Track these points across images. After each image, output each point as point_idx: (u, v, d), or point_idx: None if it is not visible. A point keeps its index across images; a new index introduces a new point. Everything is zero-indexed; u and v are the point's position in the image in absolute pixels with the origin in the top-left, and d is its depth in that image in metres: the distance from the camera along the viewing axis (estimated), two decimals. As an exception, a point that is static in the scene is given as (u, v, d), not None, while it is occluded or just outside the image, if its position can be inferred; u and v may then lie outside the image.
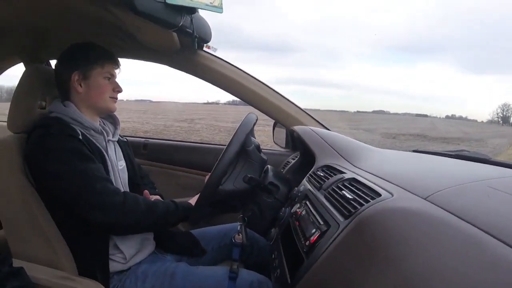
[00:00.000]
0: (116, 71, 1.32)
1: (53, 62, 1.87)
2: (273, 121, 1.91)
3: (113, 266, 1.20)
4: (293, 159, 1.69)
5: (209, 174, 1.12)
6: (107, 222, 1.12)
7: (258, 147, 1.25)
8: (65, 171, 1.10)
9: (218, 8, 1.06)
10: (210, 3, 1.05)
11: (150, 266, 1.24)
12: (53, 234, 1.17)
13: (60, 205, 1.16)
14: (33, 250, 1.16)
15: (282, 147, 1.96)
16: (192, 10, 1.11)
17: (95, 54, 1.26)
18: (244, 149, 1.17)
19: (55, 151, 1.11)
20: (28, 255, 1.15)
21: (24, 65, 1.83)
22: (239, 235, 1.27)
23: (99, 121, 1.33)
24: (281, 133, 1.92)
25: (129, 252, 1.23)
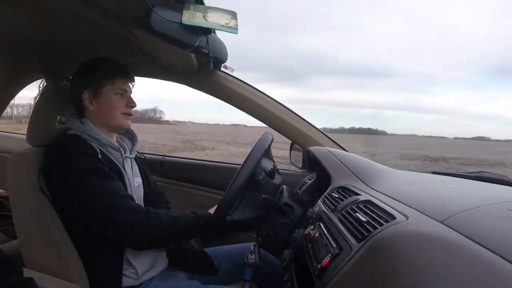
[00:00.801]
0: (130, 85, 1.31)
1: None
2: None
3: (125, 281, 1.19)
4: (310, 180, 1.67)
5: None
6: (131, 239, 1.13)
7: (272, 171, 1.25)
8: (85, 190, 1.10)
9: (233, 29, 1.07)
10: (226, 24, 1.06)
11: (162, 283, 1.23)
12: (66, 246, 1.17)
13: (76, 220, 1.17)
14: (45, 261, 1.16)
15: (299, 168, 1.95)
16: (207, 31, 1.12)
17: (105, 70, 1.26)
18: (255, 179, 1.17)
19: (75, 170, 1.12)
20: (41, 266, 1.16)
21: (45, 80, 1.88)
22: (252, 255, 1.26)
23: (116, 137, 1.34)
24: (298, 153, 1.90)
25: (141, 267, 1.22)
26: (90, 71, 1.27)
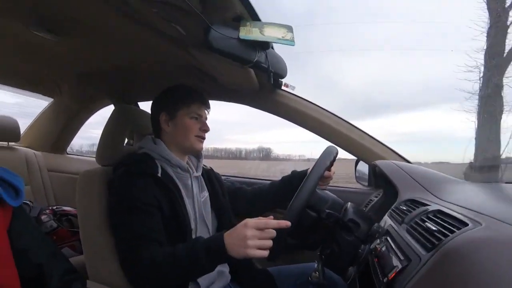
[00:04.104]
0: (206, 112, 1.37)
1: (140, 104, 2.06)
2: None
3: None
4: (376, 197, 1.59)
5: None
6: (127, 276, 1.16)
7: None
8: (123, 218, 1.17)
9: (290, 41, 1.08)
10: (282, 37, 1.08)
11: None
12: None
13: None
14: (108, 275, 1.20)
15: (365, 185, 1.87)
16: (265, 45, 1.14)
17: (182, 95, 1.34)
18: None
19: (122, 198, 1.18)
20: (105, 279, 1.20)
21: (114, 105, 2.01)
22: (316, 273, 1.21)
23: (187, 159, 1.39)
24: (364, 170, 1.83)
25: (204, 283, 1.22)
26: (169, 95, 1.35)
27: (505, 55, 5.42)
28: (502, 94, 5.34)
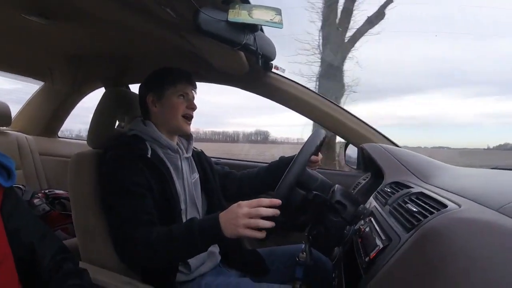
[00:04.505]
0: (193, 91, 1.37)
1: (131, 87, 2.06)
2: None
3: (178, 276, 1.22)
4: (364, 180, 1.62)
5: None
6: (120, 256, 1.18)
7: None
8: (115, 201, 1.17)
9: (279, 24, 1.08)
10: (271, 19, 1.07)
11: (214, 279, 1.25)
12: None
13: None
14: (101, 256, 1.22)
15: (353, 168, 1.90)
16: (254, 28, 1.14)
17: (168, 76, 1.34)
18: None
19: (113, 179, 1.19)
20: (97, 261, 1.22)
21: (105, 88, 2.00)
22: (303, 253, 1.24)
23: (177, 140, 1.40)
24: (353, 153, 1.85)
25: (194, 263, 1.25)
26: (155, 77, 1.35)
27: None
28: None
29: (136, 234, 1.10)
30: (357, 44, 5.31)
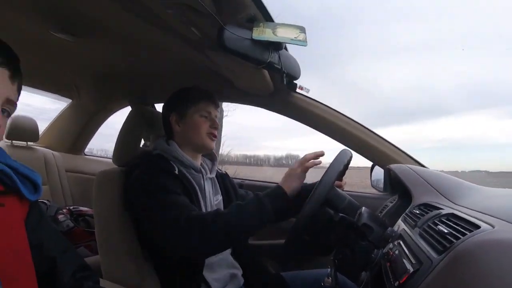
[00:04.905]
0: (215, 110, 1.37)
1: (157, 106, 2.09)
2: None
3: None
4: (391, 202, 1.57)
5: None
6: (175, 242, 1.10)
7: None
8: (152, 205, 1.14)
9: (303, 42, 1.09)
10: (295, 37, 1.08)
11: None
12: (145, 262, 1.23)
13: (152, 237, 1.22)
14: (123, 275, 1.22)
15: (380, 191, 1.84)
16: (278, 46, 1.15)
17: (191, 95, 1.36)
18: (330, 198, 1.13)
19: (150, 187, 1.17)
20: (118, 278, 1.21)
21: (131, 106, 2.05)
22: (328, 278, 1.19)
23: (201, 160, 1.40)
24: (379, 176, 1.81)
25: (215, 285, 1.23)
26: (177, 97, 1.38)
27: None
28: None
29: (192, 215, 1.09)
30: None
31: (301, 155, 1.25)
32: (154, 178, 1.18)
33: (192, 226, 1.06)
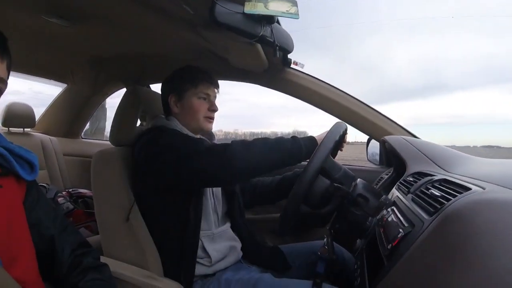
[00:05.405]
0: (215, 90, 1.37)
1: (152, 86, 2.09)
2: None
3: (198, 270, 1.22)
4: (387, 174, 1.59)
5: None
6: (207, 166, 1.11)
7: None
8: (170, 150, 1.14)
9: (295, 15, 1.08)
10: (287, 10, 1.08)
11: (234, 274, 1.24)
12: (144, 237, 1.24)
13: (153, 211, 1.24)
14: (123, 251, 1.24)
15: (376, 164, 1.86)
16: (270, 19, 1.14)
17: (189, 76, 1.34)
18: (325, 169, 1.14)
19: (160, 140, 1.18)
20: (118, 255, 1.24)
21: (126, 88, 2.05)
22: (325, 247, 1.22)
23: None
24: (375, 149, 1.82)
25: (215, 256, 1.25)
26: (176, 77, 1.36)
27: None
28: None
29: (223, 145, 1.12)
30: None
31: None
32: (162, 136, 1.19)
33: (234, 147, 1.11)
